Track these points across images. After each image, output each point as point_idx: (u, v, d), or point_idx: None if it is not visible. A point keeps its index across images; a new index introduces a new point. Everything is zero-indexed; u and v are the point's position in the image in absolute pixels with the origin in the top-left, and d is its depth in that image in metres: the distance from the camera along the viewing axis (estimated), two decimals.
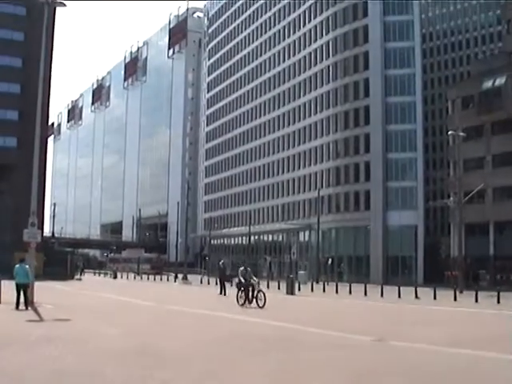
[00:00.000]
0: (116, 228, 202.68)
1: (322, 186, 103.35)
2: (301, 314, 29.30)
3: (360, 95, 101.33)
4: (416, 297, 43.83)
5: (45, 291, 36.56)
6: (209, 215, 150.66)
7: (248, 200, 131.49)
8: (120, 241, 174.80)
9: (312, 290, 53.68)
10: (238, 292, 33.64)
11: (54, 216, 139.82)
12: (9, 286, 29.25)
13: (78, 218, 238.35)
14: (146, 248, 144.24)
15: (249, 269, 33.97)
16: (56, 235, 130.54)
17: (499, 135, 77.25)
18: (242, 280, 32.97)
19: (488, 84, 78.71)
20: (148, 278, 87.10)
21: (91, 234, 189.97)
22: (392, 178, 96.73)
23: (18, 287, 27.53)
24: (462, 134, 66.55)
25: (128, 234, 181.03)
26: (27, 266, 28.30)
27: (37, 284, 30.61)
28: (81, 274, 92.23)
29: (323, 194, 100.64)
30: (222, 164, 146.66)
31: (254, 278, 33.30)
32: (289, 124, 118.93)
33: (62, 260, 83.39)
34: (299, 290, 51.43)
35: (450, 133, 70.82)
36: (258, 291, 32.21)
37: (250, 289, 32.42)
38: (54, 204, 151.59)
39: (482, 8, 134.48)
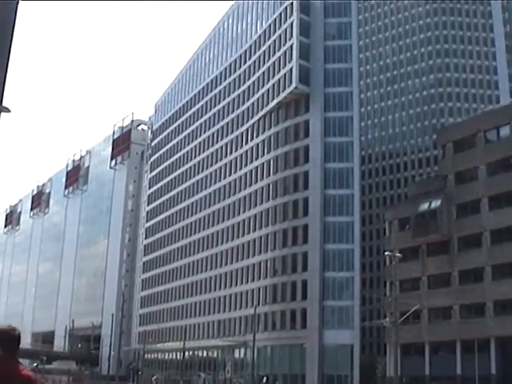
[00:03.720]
0: (48, 337, 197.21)
1: (259, 304, 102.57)
2: None
3: (299, 213, 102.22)
4: None
5: None
6: (143, 328, 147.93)
7: (184, 315, 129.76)
8: (51, 351, 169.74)
9: None
10: None
11: None
12: None
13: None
14: (78, 360, 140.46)
15: None
16: None
17: (434, 256, 78.52)
18: None
19: (424, 206, 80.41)
20: None
21: (21, 343, 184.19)
22: (329, 296, 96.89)
23: None
24: (398, 254, 67.32)
25: (60, 344, 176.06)
26: None
27: None
28: None
29: (259, 312, 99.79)
30: (159, 277, 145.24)
31: None
32: (227, 240, 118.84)
33: None
34: None
35: (386, 253, 71.80)
36: None
37: None
38: None
39: (418, 132, 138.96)
